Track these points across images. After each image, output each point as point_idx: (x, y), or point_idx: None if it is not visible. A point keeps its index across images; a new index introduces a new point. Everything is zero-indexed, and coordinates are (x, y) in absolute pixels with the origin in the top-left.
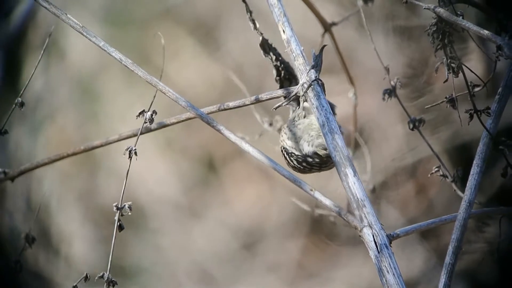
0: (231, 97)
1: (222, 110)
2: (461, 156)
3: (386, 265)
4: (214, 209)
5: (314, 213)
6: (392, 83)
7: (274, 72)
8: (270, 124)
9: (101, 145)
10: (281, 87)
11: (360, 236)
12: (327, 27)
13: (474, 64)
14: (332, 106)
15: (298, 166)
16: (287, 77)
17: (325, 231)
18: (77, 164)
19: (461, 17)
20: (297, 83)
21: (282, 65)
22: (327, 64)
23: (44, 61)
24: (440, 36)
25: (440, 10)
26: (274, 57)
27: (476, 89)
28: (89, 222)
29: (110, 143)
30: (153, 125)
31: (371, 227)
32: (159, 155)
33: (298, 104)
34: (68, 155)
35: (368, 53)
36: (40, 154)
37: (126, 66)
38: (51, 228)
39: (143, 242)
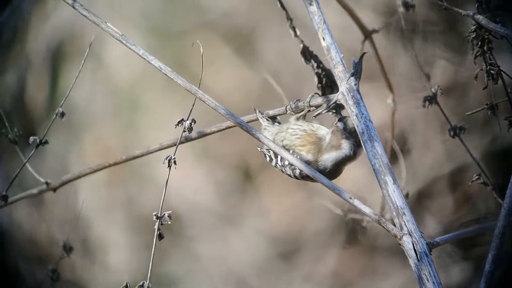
0: (267, 105)
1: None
2: (500, 163)
3: (426, 273)
4: (250, 218)
5: (346, 217)
6: (433, 90)
7: (316, 79)
8: None
9: (142, 155)
10: (323, 94)
11: (399, 244)
12: (368, 34)
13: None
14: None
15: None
16: (328, 84)
17: (362, 240)
18: (116, 172)
19: (499, 24)
20: (338, 90)
21: (324, 72)
22: (366, 72)
23: (81, 71)
24: (479, 43)
25: (479, 17)
26: (315, 65)
27: None
28: (128, 230)
29: (151, 152)
30: (193, 134)
31: (411, 235)
32: (196, 164)
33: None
34: (110, 165)
35: (404, 59)
36: (78, 164)
37: (165, 74)
38: (90, 236)
39: (180, 250)
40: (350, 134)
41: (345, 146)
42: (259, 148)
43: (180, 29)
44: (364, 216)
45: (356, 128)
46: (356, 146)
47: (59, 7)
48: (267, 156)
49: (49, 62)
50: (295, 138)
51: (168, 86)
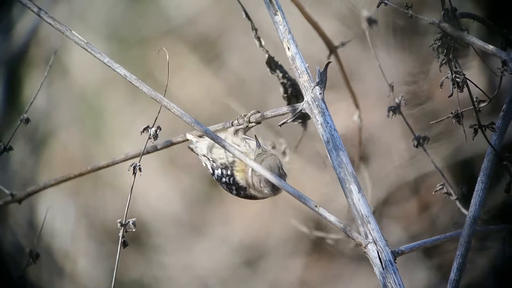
0: (233, 113)
1: (228, 127)
2: (463, 172)
3: (391, 282)
4: (215, 226)
5: (311, 235)
6: (397, 100)
7: (281, 89)
8: (273, 147)
9: (108, 165)
10: (288, 104)
11: (365, 252)
12: (333, 49)
13: (476, 78)
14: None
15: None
16: (294, 94)
17: (327, 248)
18: (80, 180)
19: (465, 32)
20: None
21: (289, 82)
22: (330, 81)
23: (46, 78)
24: (445, 51)
25: (445, 25)
26: (280, 75)
27: (482, 104)
28: (92, 239)
29: (117, 163)
30: (159, 144)
31: (376, 244)
32: (162, 172)
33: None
34: (75, 176)
35: (370, 68)
36: (43, 171)
37: (130, 82)
38: (54, 245)
39: (145, 258)
40: (271, 170)
41: (266, 192)
42: (192, 148)
43: (144, 36)
44: (329, 234)
45: (322, 138)
46: (275, 189)
47: (23, 15)
48: (204, 163)
49: (12, 69)
50: (232, 160)
51: (132, 94)
